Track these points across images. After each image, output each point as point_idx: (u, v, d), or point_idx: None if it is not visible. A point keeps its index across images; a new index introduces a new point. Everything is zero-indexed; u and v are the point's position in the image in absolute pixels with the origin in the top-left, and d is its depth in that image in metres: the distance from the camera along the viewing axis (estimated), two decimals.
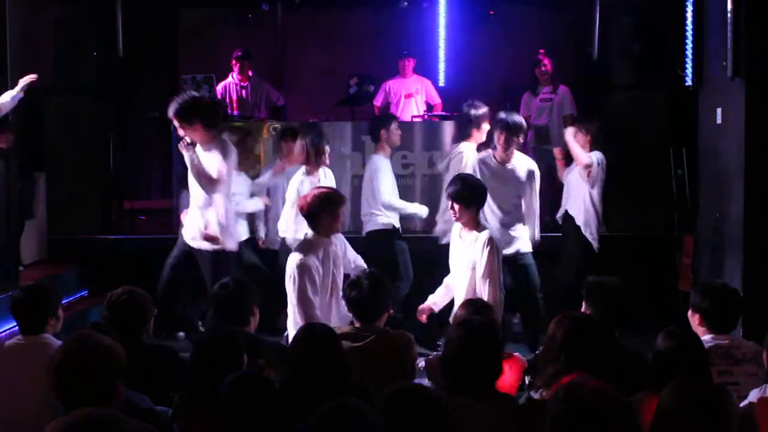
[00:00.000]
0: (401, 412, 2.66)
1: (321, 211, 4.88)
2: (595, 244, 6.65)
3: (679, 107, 7.68)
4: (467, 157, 6.37)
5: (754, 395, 3.26)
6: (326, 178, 6.60)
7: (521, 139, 6.17)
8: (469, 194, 5.00)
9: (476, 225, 5.03)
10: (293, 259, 4.85)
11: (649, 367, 3.36)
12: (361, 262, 5.15)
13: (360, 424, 2.35)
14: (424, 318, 5.12)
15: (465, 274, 4.99)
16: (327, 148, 6.60)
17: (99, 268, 7.55)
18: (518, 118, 6.15)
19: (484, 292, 4.88)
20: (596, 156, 6.58)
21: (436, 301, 5.17)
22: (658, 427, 2.63)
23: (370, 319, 4.09)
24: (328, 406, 2.37)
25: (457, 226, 5.17)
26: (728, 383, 3.47)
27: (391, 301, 4.28)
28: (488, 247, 4.89)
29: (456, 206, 5.00)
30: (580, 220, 6.65)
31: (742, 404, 3.18)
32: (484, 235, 4.95)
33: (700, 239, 6.85)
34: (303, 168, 6.56)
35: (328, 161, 6.63)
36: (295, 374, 3.28)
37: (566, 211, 6.79)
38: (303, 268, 4.77)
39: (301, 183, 6.40)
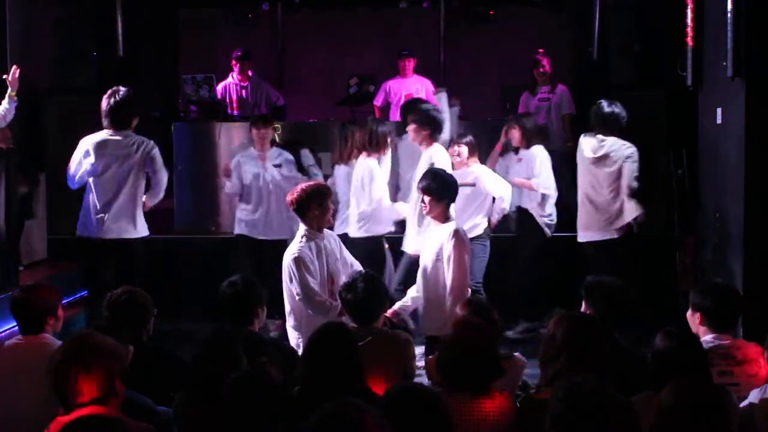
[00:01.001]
0: (402, 411, 2.66)
1: (310, 204, 4.90)
2: (548, 231, 6.95)
3: (679, 107, 7.68)
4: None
5: (754, 396, 3.26)
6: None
7: (426, 130, 6.20)
8: (440, 188, 5.03)
9: (445, 218, 5.06)
10: (288, 256, 4.86)
11: (649, 367, 3.36)
12: (358, 266, 5.15)
13: (361, 423, 2.34)
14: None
15: (430, 264, 5.02)
16: (389, 138, 6.52)
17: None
18: (435, 113, 6.29)
19: (448, 282, 4.89)
20: (537, 151, 6.91)
21: (403, 306, 5.18)
22: (659, 427, 2.63)
23: (366, 320, 4.10)
24: (329, 405, 2.37)
25: (429, 220, 5.19)
26: (729, 384, 3.46)
27: (387, 302, 4.28)
28: (454, 239, 4.90)
29: (427, 199, 5.03)
30: (532, 207, 6.95)
31: (742, 405, 3.18)
32: (451, 226, 4.98)
33: (700, 239, 6.85)
34: (366, 156, 6.38)
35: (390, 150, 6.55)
36: (312, 373, 3.28)
37: (518, 206, 7.06)
38: (299, 261, 4.78)
39: (374, 170, 6.29)
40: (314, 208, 4.91)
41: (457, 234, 4.94)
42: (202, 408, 3.14)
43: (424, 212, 5.16)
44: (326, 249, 4.95)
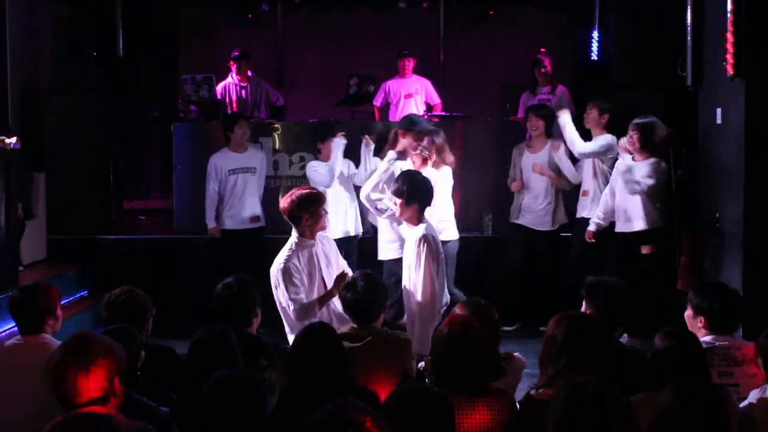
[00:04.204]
0: (406, 412, 2.65)
1: (303, 212, 4.83)
2: None
3: (679, 107, 7.68)
4: None
5: (754, 396, 3.26)
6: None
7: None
8: (410, 191, 4.95)
9: (417, 222, 4.98)
10: (276, 265, 4.80)
11: (649, 367, 3.36)
12: (348, 270, 5.06)
13: (361, 424, 2.34)
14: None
15: (407, 269, 4.98)
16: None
17: (99, 268, 7.55)
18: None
19: (418, 296, 4.82)
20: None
21: None
22: (658, 427, 2.63)
23: (366, 320, 4.07)
24: (329, 406, 2.36)
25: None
26: (728, 384, 3.47)
27: (386, 303, 4.26)
28: (420, 245, 4.83)
29: (398, 202, 4.99)
30: None
31: (742, 405, 3.19)
32: (418, 231, 4.90)
33: (700, 239, 6.85)
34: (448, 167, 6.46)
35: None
36: (297, 376, 3.26)
37: None
38: (285, 272, 4.72)
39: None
40: (306, 217, 4.83)
41: (425, 240, 4.83)
42: (198, 408, 3.13)
43: (397, 215, 5.13)
44: (318, 254, 4.90)
